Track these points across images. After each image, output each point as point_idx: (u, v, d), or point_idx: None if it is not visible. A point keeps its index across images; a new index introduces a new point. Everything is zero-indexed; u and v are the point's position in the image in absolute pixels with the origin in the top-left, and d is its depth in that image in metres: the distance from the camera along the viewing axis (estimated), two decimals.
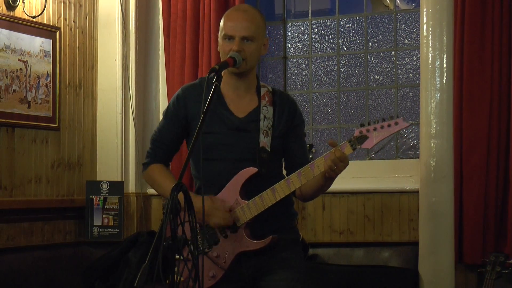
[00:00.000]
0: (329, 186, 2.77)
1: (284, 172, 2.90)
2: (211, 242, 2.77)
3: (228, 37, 2.75)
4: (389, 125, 2.58)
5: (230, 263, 2.73)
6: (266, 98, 2.82)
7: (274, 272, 2.77)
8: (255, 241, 2.71)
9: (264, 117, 2.78)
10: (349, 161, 2.64)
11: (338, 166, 2.59)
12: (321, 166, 2.62)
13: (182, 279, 2.30)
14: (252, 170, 2.72)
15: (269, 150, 2.76)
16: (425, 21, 4.08)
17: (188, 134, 2.85)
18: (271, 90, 2.87)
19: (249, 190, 2.72)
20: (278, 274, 2.77)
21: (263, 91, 2.85)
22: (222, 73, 2.81)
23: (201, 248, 2.74)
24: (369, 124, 2.60)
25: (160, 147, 2.90)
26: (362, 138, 2.59)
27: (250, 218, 2.70)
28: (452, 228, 4.00)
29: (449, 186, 4.00)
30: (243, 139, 2.77)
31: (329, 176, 2.64)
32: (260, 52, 2.81)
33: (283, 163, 2.94)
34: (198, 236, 2.76)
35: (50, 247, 4.50)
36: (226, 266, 2.73)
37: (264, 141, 2.76)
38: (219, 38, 2.82)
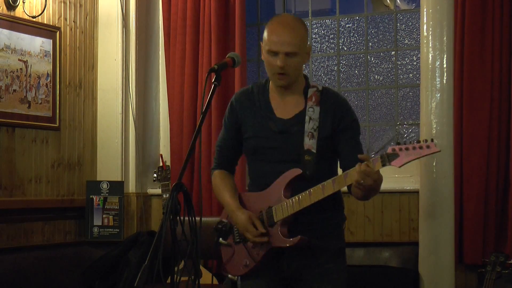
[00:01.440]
0: (374, 191, 2.71)
1: (341, 171, 2.86)
2: None
3: (273, 53, 2.76)
4: (420, 147, 2.60)
5: (262, 256, 2.77)
6: (313, 99, 2.83)
7: (314, 282, 2.79)
8: (286, 239, 2.74)
9: (310, 118, 2.79)
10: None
11: (365, 180, 2.58)
12: (353, 177, 2.63)
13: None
14: (296, 171, 2.74)
15: (315, 152, 2.76)
16: (425, 21, 4.08)
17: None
18: (320, 89, 2.86)
19: (296, 191, 2.74)
20: (318, 285, 2.79)
21: (311, 91, 2.84)
22: (271, 82, 2.86)
23: (241, 238, 2.81)
24: (404, 143, 2.62)
25: (223, 153, 2.98)
26: (393, 156, 2.61)
27: (286, 215, 2.73)
28: (452, 228, 4.00)
29: (449, 186, 4.00)
30: (288, 142, 2.79)
31: (358, 188, 2.64)
32: (304, 62, 2.84)
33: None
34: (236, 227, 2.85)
35: (50, 247, 4.50)
36: (258, 258, 2.78)
37: (309, 143, 2.77)
38: (263, 50, 2.82)
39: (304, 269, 2.80)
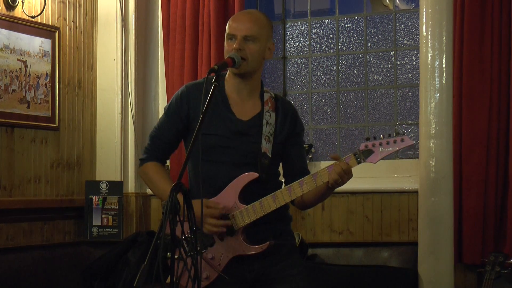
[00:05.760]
0: (329, 195, 2.81)
1: (281, 178, 2.91)
2: (206, 243, 2.76)
3: (231, 37, 2.74)
4: (394, 142, 2.61)
5: (224, 266, 2.73)
6: (269, 104, 2.82)
7: (278, 281, 2.78)
8: (253, 246, 2.72)
9: (267, 122, 2.78)
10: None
11: (343, 178, 2.63)
12: (324, 177, 2.64)
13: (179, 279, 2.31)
14: (253, 175, 2.72)
15: (270, 156, 2.76)
16: (424, 21, 4.08)
17: (188, 133, 2.82)
18: (273, 96, 2.87)
19: (247, 194, 2.72)
20: (282, 283, 2.78)
21: (266, 96, 2.85)
22: (227, 75, 2.82)
23: (196, 249, 2.74)
24: (375, 138, 2.62)
25: (158, 144, 2.88)
26: (367, 152, 2.61)
27: (248, 222, 2.70)
28: (452, 228, 4.00)
29: (449, 186, 4.00)
30: (245, 143, 2.76)
31: (332, 187, 2.67)
32: (264, 55, 2.79)
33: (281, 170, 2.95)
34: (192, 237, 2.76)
35: (49, 247, 4.50)
36: (220, 268, 2.73)
37: (266, 146, 2.76)
38: (225, 43, 2.80)
39: (265, 270, 2.78)
